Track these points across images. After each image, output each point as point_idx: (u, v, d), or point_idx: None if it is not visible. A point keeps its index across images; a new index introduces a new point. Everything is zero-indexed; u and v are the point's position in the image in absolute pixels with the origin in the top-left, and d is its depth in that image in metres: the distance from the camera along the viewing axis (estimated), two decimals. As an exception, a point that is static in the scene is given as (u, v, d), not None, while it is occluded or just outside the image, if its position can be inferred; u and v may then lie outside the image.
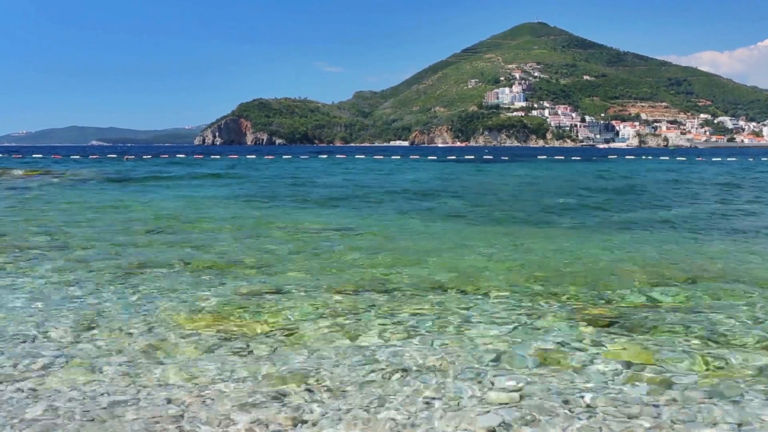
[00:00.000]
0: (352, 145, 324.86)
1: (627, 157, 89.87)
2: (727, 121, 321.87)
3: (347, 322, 6.29)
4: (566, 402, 4.36)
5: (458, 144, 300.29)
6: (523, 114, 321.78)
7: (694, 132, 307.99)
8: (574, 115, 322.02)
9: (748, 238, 12.03)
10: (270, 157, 79.83)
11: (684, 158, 78.70)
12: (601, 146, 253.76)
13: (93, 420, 4.09)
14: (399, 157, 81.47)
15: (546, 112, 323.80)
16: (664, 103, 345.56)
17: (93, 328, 6.10)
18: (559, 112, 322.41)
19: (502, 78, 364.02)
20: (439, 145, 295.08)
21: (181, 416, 4.15)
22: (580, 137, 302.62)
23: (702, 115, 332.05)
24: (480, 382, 4.73)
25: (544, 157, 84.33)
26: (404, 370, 4.98)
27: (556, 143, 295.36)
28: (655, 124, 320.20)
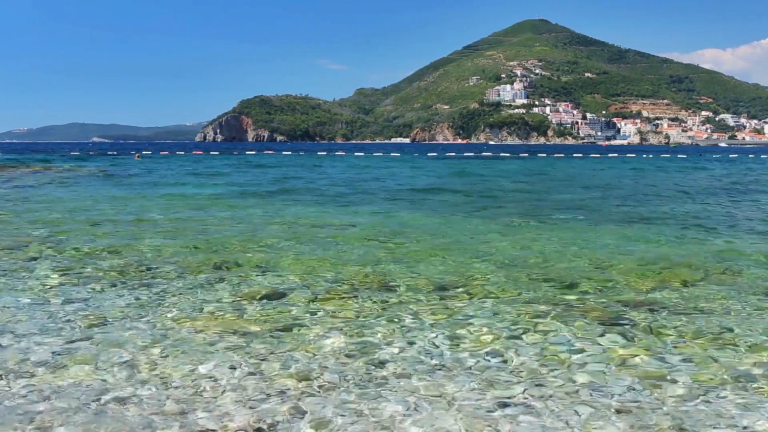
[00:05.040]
0: (353, 142, 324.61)
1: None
2: (729, 119, 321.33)
3: (348, 320, 6.34)
4: (566, 400, 4.36)
5: (459, 141, 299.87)
6: (524, 111, 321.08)
7: (695, 129, 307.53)
8: (575, 112, 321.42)
9: (751, 236, 12.12)
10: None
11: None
12: (603, 143, 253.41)
13: (95, 416, 4.12)
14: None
15: (547, 110, 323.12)
16: (665, 101, 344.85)
17: (95, 325, 6.12)
18: (561, 109, 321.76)
19: (503, 75, 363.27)
20: (441, 142, 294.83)
21: (182, 413, 4.18)
22: (582, 134, 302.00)
23: (703, 113, 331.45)
24: (480, 380, 4.75)
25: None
26: (404, 368, 5.00)
27: (558, 140, 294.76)
28: (657, 121, 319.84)
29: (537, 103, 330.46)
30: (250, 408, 4.25)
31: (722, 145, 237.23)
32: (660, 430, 3.95)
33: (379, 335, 5.83)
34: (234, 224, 13.73)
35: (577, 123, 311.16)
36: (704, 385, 4.65)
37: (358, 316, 6.47)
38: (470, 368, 5.00)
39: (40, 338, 5.73)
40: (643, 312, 6.64)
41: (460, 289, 7.64)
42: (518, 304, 6.94)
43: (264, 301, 7.11)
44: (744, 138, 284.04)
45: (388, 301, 7.08)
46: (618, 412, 4.19)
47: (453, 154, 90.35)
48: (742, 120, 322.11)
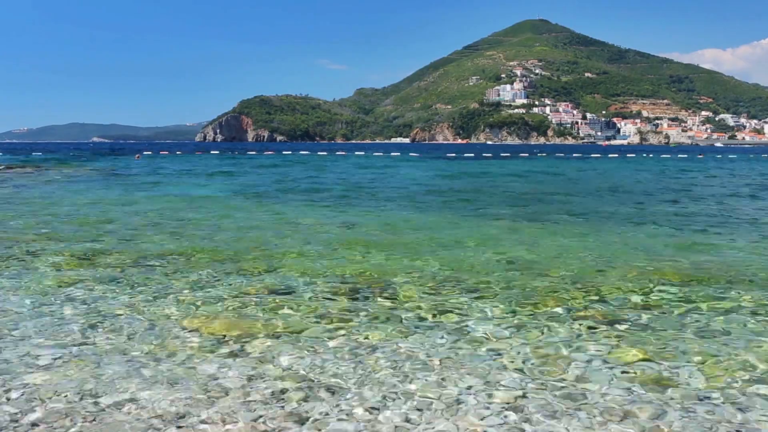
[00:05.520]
0: (354, 142, 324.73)
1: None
2: (729, 119, 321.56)
3: (348, 320, 6.33)
4: (566, 401, 4.37)
5: (459, 141, 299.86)
6: (524, 111, 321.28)
7: (695, 129, 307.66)
8: (575, 112, 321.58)
9: (751, 236, 12.09)
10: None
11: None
12: (603, 143, 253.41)
13: (94, 419, 4.08)
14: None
15: (547, 110, 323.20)
16: (665, 101, 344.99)
17: (94, 326, 6.10)
18: (561, 109, 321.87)
19: (503, 75, 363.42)
20: (441, 142, 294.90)
21: (182, 415, 4.16)
22: (582, 134, 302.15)
23: (703, 113, 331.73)
24: (480, 381, 4.74)
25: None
26: (405, 369, 4.99)
27: (558, 140, 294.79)
28: (657, 121, 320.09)
29: (537, 103, 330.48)
30: (251, 411, 4.21)
31: (718, 145, 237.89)
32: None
33: (379, 336, 5.82)
34: (234, 224, 13.69)
35: (577, 123, 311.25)
36: (706, 388, 4.63)
37: (359, 317, 6.45)
38: (470, 369, 4.98)
39: (39, 339, 5.70)
40: (646, 314, 6.61)
41: (461, 290, 7.61)
42: (519, 305, 6.91)
43: (264, 301, 7.07)
44: (744, 138, 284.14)
45: (388, 302, 7.05)
46: (619, 414, 4.18)
47: (453, 154, 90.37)
48: (742, 120, 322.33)
